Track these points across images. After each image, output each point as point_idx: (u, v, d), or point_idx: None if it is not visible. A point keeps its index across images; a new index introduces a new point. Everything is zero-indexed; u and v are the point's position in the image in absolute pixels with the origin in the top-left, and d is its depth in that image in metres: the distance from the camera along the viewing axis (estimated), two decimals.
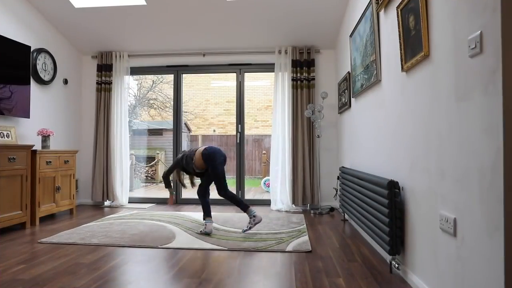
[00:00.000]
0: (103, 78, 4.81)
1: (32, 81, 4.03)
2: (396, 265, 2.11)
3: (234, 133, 4.97)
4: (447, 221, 1.56)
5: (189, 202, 5.06)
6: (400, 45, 2.08)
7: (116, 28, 4.40)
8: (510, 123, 1.18)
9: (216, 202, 4.96)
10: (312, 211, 4.24)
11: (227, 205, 4.81)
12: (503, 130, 1.18)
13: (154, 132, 10.17)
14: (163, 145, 9.69)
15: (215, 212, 4.00)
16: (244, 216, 3.92)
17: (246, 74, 4.99)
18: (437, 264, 1.69)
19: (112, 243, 2.82)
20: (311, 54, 4.55)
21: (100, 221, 3.66)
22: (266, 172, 8.31)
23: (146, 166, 9.12)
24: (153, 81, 10.73)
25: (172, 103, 5.27)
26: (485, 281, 1.29)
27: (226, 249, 2.69)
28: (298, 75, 4.55)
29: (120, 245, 2.78)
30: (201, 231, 3.17)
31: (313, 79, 4.55)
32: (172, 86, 5.11)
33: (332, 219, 3.89)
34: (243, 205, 3.20)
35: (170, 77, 6.58)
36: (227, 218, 3.84)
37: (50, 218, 3.94)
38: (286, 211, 4.36)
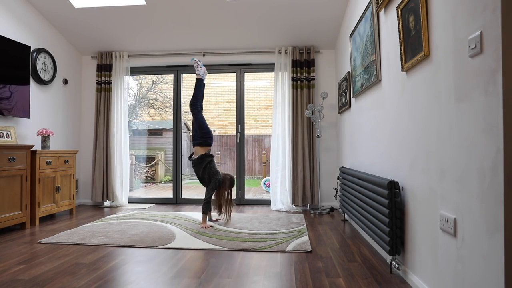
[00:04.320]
0: (103, 78, 4.81)
1: (32, 81, 4.03)
2: (396, 265, 2.11)
3: (234, 133, 4.97)
4: (447, 221, 1.56)
5: (189, 202, 5.06)
6: (400, 45, 2.08)
7: (116, 28, 4.40)
8: (510, 123, 1.18)
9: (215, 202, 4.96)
10: (312, 211, 4.24)
11: None
12: (503, 130, 1.18)
13: (154, 132, 10.17)
14: (163, 145, 9.70)
15: (214, 212, 3.99)
16: (244, 216, 3.92)
17: (246, 74, 4.99)
18: (437, 264, 1.69)
19: (112, 243, 2.82)
20: (311, 54, 4.55)
21: (100, 221, 3.66)
22: (266, 172, 8.31)
23: (146, 166, 9.12)
24: (153, 81, 10.73)
25: (172, 103, 5.27)
26: (485, 281, 1.29)
27: (226, 249, 2.69)
28: (298, 75, 4.55)
29: (120, 245, 2.78)
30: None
31: (313, 79, 4.55)
32: (172, 86, 5.11)
33: (332, 219, 3.88)
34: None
35: (170, 77, 6.59)
36: None
37: (50, 218, 3.94)
38: (286, 211, 4.36)
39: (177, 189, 5.03)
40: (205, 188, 3.60)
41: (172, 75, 5.07)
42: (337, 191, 4.46)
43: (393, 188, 2.12)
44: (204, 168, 3.56)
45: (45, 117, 4.29)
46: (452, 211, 1.53)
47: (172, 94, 5.10)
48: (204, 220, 3.43)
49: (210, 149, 3.67)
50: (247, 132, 5.23)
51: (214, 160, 3.68)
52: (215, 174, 3.53)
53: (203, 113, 3.83)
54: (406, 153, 2.08)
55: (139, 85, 10.74)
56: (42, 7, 4.09)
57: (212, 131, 3.85)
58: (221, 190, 3.62)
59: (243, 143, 4.91)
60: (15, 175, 3.32)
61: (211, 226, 3.41)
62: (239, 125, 4.90)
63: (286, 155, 4.50)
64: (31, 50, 3.99)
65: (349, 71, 3.63)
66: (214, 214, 3.84)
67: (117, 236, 3.05)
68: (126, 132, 4.82)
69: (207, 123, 3.78)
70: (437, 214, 1.68)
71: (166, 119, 10.57)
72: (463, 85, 1.43)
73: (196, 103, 3.77)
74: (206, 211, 3.43)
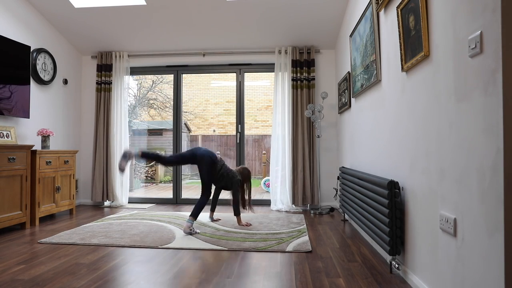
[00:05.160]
0: (103, 78, 4.81)
1: (32, 81, 4.03)
2: (396, 265, 2.11)
3: (234, 133, 4.97)
4: (447, 221, 1.56)
5: (189, 202, 5.06)
6: (400, 45, 2.08)
7: (116, 28, 4.40)
8: (510, 123, 1.18)
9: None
10: (312, 211, 4.24)
11: (226, 205, 4.80)
12: (503, 130, 1.18)
13: (154, 132, 10.17)
14: (163, 145, 9.70)
15: (214, 212, 4.00)
16: (244, 216, 3.92)
17: (246, 74, 4.99)
18: (437, 264, 1.69)
19: (112, 243, 2.82)
20: (311, 54, 4.55)
21: (100, 221, 3.66)
22: (266, 172, 8.31)
23: (146, 166, 9.12)
24: (153, 81, 10.73)
25: (172, 103, 5.27)
26: (485, 281, 1.29)
27: (226, 249, 2.69)
28: (298, 75, 4.55)
29: (120, 245, 2.78)
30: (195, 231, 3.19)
31: (313, 79, 4.55)
32: (172, 86, 5.11)
33: (332, 219, 3.88)
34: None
35: (170, 77, 6.59)
36: (227, 218, 3.84)
37: (50, 218, 3.94)
38: (286, 211, 4.36)
39: (177, 189, 5.03)
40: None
41: (172, 75, 5.07)
42: (337, 191, 4.45)
43: (393, 188, 2.12)
44: (222, 177, 3.46)
45: (45, 117, 4.28)
46: (452, 211, 1.53)
47: (172, 94, 5.10)
48: (240, 220, 3.47)
49: (217, 158, 3.49)
50: (247, 132, 5.23)
51: (223, 161, 3.57)
52: (233, 176, 3.49)
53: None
54: (406, 153, 2.08)
55: (139, 85, 10.74)
56: (42, 7, 4.08)
57: (209, 152, 3.45)
58: (242, 188, 3.58)
59: (243, 143, 4.91)
60: (15, 175, 3.32)
61: (250, 224, 3.47)
62: (239, 125, 4.90)
63: (286, 155, 4.50)
64: (31, 50, 3.99)
65: (349, 71, 3.63)
66: (215, 214, 3.85)
67: (117, 236, 3.05)
68: (126, 132, 4.82)
69: (205, 146, 3.52)
70: (437, 214, 1.68)
71: (166, 119, 10.57)
72: (463, 85, 1.43)
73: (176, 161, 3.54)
74: (238, 213, 3.47)
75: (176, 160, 3.50)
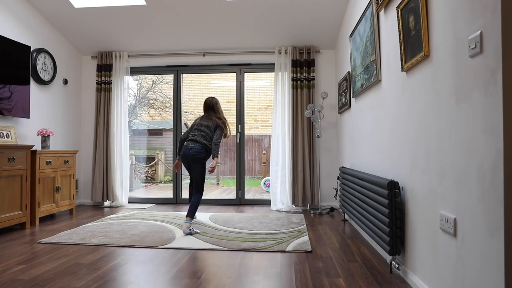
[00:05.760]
0: (103, 78, 4.81)
1: (32, 81, 4.03)
2: (396, 265, 2.11)
3: (234, 133, 4.97)
4: (447, 221, 1.56)
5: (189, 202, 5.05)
6: (400, 45, 2.08)
7: (116, 28, 4.40)
8: (510, 123, 1.18)
9: (215, 202, 4.96)
10: (312, 211, 4.24)
11: (226, 205, 4.81)
12: (503, 130, 1.18)
13: (154, 132, 10.17)
14: (163, 145, 9.70)
15: (214, 212, 4.00)
16: (244, 216, 3.92)
17: (246, 74, 4.99)
18: (437, 264, 1.69)
19: (112, 243, 2.82)
20: (311, 54, 4.55)
21: (100, 221, 3.66)
22: (266, 172, 8.31)
23: (146, 166, 9.12)
24: (153, 81, 10.73)
25: (172, 103, 5.27)
26: (485, 281, 1.29)
27: (226, 249, 2.69)
28: (298, 75, 4.55)
29: (120, 245, 2.78)
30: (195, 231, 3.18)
31: (313, 79, 4.55)
32: (172, 86, 5.11)
33: (332, 219, 3.88)
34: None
35: (170, 77, 6.60)
36: (227, 218, 3.84)
37: (50, 218, 3.94)
38: (286, 211, 4.36)
39: (177, 189, 5.03)
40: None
41: (172, 75, 5.07)
42: (337, 191, 4.46)
43: (393, 188, 2.12)
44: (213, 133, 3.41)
45: (45, 117, 4.28)
46: (452, 211, 1.53)
47: (172, 94, 5.10)
48: (215, 163, 3.33)
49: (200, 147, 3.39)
50: (247, 132, 5.24)
51: (201, 132, 3.43)
52: (213, 126, 3.41)
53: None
54: (406, 153, 2.08)
55: (139, 85, 10.74)
56: (42, 7, 4.09)
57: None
58: (224, 124, 3.51)
59: (243, 143, 4.91)
60: (15, 175, 3.32)
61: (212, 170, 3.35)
62: (239, 125, 4.90)
63: (286, 155, 4.50)
64: (31, 50, 3.99)
65: (349, 71, 3.63)
66: (213, 213, 3.84)
67: (117, 236, 3.05)
68: (126, 132, 4.82)
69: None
70: (437, 214, 1.68)
71: (166, 119, 10.57)
72: (463, 85, 1.43)
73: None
74: (217, 155, 3.36)
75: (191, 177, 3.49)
